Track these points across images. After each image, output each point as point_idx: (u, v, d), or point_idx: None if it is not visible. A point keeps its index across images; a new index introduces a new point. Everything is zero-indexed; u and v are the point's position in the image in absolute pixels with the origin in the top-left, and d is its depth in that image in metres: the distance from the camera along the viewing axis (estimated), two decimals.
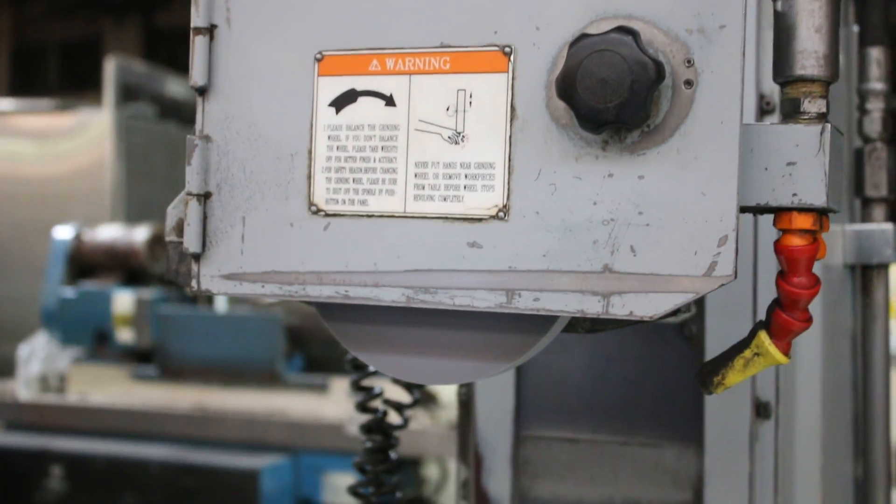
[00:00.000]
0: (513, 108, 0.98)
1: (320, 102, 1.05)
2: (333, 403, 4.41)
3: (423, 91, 1.02)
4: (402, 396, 1.58)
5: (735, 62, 0.92)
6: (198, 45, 1.08)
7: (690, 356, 1.44)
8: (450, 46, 1.01)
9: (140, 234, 4.92)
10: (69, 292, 4.81)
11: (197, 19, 1.08)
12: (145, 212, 7.03)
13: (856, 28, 1.67)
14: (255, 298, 1.11)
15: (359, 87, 1.04)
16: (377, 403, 1.55)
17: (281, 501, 4.19)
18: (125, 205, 6.99)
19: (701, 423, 1.43)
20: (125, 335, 4.70)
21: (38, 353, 4.90)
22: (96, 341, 4.78)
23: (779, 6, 0.99)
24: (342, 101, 1.04)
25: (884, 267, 1.59)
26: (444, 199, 1.01)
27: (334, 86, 1.05)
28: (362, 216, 1.04)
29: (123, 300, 4.70)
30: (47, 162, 7.20)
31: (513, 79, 0.98)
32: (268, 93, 1.07)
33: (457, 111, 1.00)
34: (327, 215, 1.05)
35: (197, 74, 1.08)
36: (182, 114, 7.97)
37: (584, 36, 0.93)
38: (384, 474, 1.55)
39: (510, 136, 0.98)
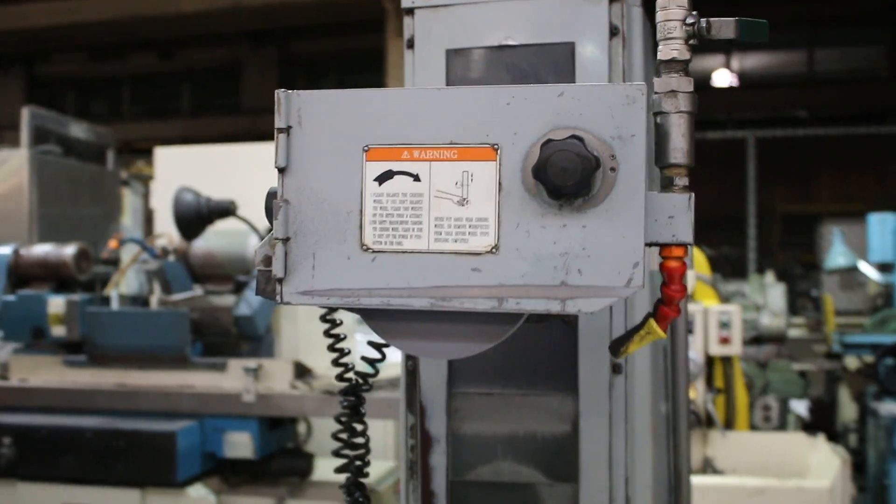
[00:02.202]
0: (500, 184, 1.17)
1: (368, 178, 1.21)
2: (230, 379, 4.45)
3: (439, 172, 1.19)
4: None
5: (640, 157, 1.13)
6: (280, 139, 1.23)
7: (569, 334, 1.66)
8: (457, 143, 1.19)
9: (69, 250, 4.84)
10: (10, 298, 4.69)
11: (279, 122, 1.23)
12: (53, 230, 6.84)
13: None
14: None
15: (395, 169, 1.20)
16: (351, 375, 1.69)
17: (192, 455, 4.23)
18: (38, 224, 6.78)
19: (576, 379, 1.65)
20: (58, 330, 4.61)
21: None
22: (34, 336, 4.67)
23: (658, 120, 1.23)
24: (383, 177, 1.21)
25: None
26: (455, 241, 1.18)
27: (377, 167, 1.21)
28: (399, 252, 1.20)
29: (56, 303, 4.60)
30: None
31: (500, 165, 1.17)
32: (331, 172, 1.22)
33: (462, 185, 1.18)
34: (374, 252, 1.21)
35: (279, 159, 1.23)
36: (78, 151, 7.76)
37: (550, 140, 1.14)
38: (357, 423, 1.69)
39: (499, 202, 1.17)
